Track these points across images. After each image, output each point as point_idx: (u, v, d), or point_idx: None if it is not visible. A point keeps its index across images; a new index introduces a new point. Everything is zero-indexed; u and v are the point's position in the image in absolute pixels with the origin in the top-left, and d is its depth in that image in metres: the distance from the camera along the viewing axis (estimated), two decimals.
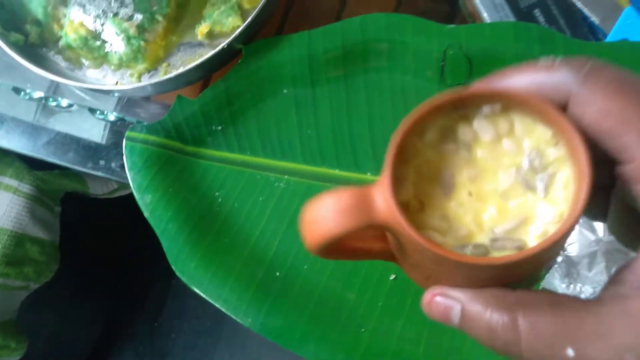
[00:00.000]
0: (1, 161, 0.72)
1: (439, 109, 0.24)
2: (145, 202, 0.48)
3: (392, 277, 0.46)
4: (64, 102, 0.57)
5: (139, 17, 0.51)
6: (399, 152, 0.24)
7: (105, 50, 0.52)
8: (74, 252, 0.88)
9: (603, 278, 0.43)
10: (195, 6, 0.53)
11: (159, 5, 0.51)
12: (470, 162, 0.25)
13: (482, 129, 0.24)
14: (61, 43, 0.52)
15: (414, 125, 0.24)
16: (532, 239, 0.23)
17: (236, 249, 0.48)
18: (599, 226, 0.43)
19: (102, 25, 0.51)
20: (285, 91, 0.50)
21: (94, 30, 0.51)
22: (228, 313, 0.46)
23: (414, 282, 0.28)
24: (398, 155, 0.24)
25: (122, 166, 0.55)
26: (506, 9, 0.52)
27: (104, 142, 0.57)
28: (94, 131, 0.57)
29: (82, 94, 0.57)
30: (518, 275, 0.24)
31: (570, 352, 0.21)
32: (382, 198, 0.23)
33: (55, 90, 0.57)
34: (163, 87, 0.50)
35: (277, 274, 0.47)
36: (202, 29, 0.52)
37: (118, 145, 0.56)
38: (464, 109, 0.25)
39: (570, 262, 0.43)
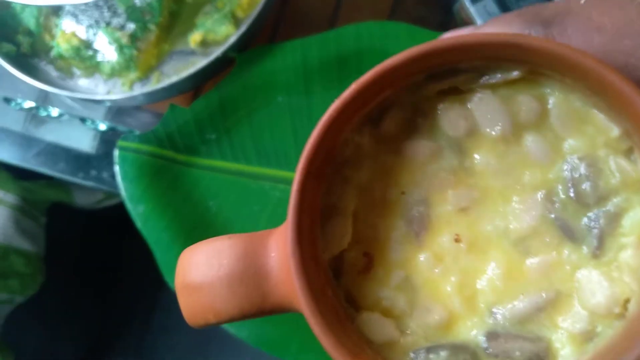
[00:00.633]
0: None
1: (401, 74, 0.14)
2: (138, 212, 0.48)
3: None
4: (55, 112, 0.56)
5: (131, 26, 0.50)
6: (324, 159, 0.14)
7: (98, 60, 0.51)
8: (58, 265, 0.86)
9: None
10: (187, 14, 0.53)
11: (152, 15, 0.51)
12: (462, 176, 0.14)
13: (485, 112, 0.14)
14: (53, 53, 0.51)
15: (353, 108, 0.14)
16: (564, 339, 0.13)
17: None
18: None
19: (95, 35, 0.50)
20: (279, 99, 0.50)
21: (86, 40, 0.50)
22: (223, 326, 0.46)
23: None
24: (323, 166, 0.14)
25: (114, 176, 0.55)
26: None
27: (94, 151, 0.56)
28: (85, 141, 0.56)
29: (73, 103, 0.56)
30: None
31: None
32: (278, 258, 0.14)
33: (44, 100, 0.57)
34: (155, 96, 0.50)
35: None
36: (195, 37, 0.51)
37: (109, 155, 0.56)
38: (451, 76, 0.14)
39: None
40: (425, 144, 0.15)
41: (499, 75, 0.14)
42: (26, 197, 0.73)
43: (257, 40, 0.53)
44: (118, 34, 0.50)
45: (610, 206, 0.13)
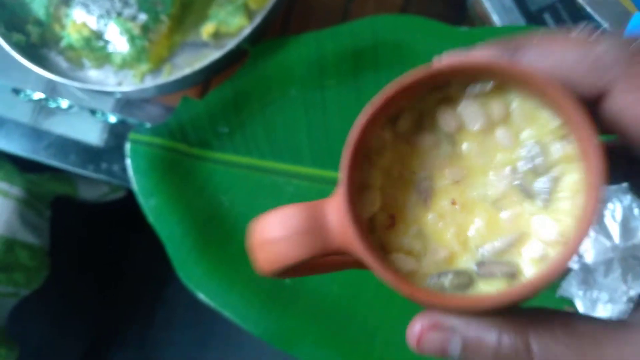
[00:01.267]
0: None
1: (411, 89, 0.20)
2: (150, 205, 0.47)
3: None
4: (64, 104, 0.56)
5: (143, 17, 0.49)
6: (359, 149, 0.20)
7: (108, 51, 0.50)
8: (63, 258, 0.85)
9: (620, 285, 0.42)
10: (200, 5, 0.52)
11: (164, 5, 0.50)
12: (454, 159, 0.20)
13: (469, 114, 0.20)
14: (63, 43, 0.50)
15: (379, 113, 0.20)
16: (527, 263, 0.19)
17: (243, 256, 0.47)
18: (615, 232, 0.43)
19: (106, 25, 0.49)
20: (293, 93, 0.49)
21: (97, 30, 0.49)
22: (236, 322, 0.45)
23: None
24: (358, 154, 0.19)
25: (124, 169, 0.54)
26: (516, 12, 0.51)
27: (103, 144, 0.55)
28: (94, 133, 0.55)
29: (82, 95, 0.56)
30: (512, 304, 0.19)
31: None
32: (335, 217, 0.20)
33: (52, 91, 0.56)
34: (167, 89, 0.49)
35: (286, 282, 0.46)
36: (207, 29, 0.51)
37: (119, 147, 0.55)
38: (446, 88, 0.20)
39: (586, 269, 0.43)
40: (429, 137, 0.21)
41: (479, 87, 0.20)
42: (31, 190, 0.72)
43: (268, 33, 0.53)
44: (130, 24, 0.49)
45: (553, 173, 0.19)
